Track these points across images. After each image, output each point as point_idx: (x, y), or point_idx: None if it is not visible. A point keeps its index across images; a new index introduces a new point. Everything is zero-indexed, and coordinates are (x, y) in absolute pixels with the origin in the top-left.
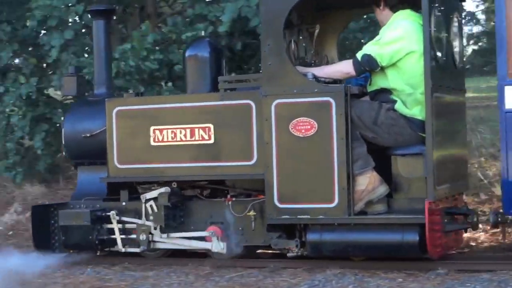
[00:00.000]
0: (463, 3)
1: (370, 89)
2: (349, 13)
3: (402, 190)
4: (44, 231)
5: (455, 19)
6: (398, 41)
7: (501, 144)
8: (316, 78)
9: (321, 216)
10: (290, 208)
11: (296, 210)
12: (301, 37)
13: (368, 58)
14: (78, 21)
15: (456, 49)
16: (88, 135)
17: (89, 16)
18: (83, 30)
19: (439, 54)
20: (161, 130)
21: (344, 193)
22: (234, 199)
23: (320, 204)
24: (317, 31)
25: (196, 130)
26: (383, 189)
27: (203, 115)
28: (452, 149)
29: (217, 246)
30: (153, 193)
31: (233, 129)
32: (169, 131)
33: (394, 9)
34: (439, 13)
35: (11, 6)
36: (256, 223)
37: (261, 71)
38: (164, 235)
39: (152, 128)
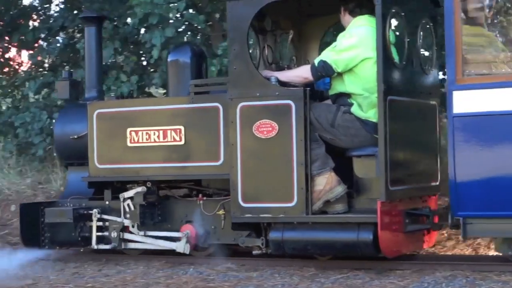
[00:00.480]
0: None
1: (330, 93)
2: (327, 19)
3: (364, 190)
4: (33, 228)
5: (426, 24)
6: (353, 49)
7: (449, 147)
8: (279, 82)
9: (281, 215)
10: (253, 207)
11: (259, 209)
12: (277, 42)
13: (324, 65)
14: (180, 18)
15: (425, 54)
16: (75, 136)
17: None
18: (183, 27)
19: (397, 58)
20: (136, 132)
21: (302, 193)
22: (205, 198)
23: (281, 203)
24: (290, 36)
25: (168, 131)
26: (340, 189)
27: (175, 117)
28: (416, 152)
29: (181, 246)
30: (130, 192)
31: (202, 130)
32: (144, 132)
33: (354, 14)
34: (400, 18)
35: (113, 3)
36: (226, 222)
37: None
38: (141, 233)
39: (128, 129)
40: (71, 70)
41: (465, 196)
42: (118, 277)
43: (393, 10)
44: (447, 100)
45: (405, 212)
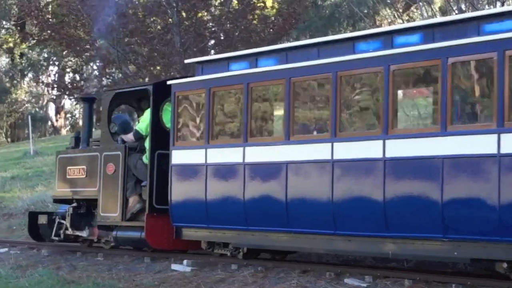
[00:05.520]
0: None
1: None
2: None
3: None
4: (36, 227)
5: None
6: (145, 121)
7: (169, 183)
8: (124, 141)
9: (112, 221)
10: (104, 216)
11: (106, 216)
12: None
13: (136, 131)
14: None
15: None
16: None
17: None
18: None
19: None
20: (71, 169)
21: (121, 207)
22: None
23: (113, 213)
24: None
25: (82, 169)
26: (138, 205)
27: (83, 160)
28: None
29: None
30: (69, 207)
31: (92, 169)
32: (72, 169)
33: None
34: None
35: None
36: None
37: None
38: (73, 231)
39: (68, 167)
40: (79, 131)
41: (176, 213)
42: None
43: (170, 99)
44: (169, 155)
45: None
